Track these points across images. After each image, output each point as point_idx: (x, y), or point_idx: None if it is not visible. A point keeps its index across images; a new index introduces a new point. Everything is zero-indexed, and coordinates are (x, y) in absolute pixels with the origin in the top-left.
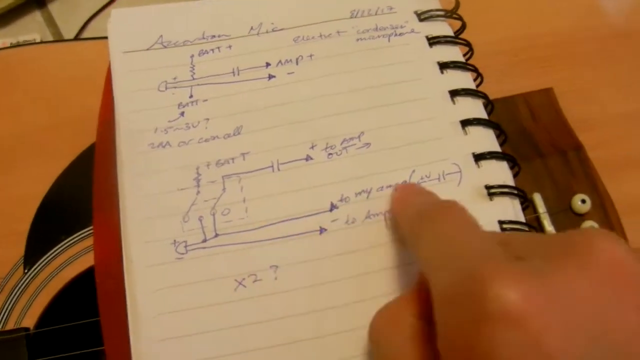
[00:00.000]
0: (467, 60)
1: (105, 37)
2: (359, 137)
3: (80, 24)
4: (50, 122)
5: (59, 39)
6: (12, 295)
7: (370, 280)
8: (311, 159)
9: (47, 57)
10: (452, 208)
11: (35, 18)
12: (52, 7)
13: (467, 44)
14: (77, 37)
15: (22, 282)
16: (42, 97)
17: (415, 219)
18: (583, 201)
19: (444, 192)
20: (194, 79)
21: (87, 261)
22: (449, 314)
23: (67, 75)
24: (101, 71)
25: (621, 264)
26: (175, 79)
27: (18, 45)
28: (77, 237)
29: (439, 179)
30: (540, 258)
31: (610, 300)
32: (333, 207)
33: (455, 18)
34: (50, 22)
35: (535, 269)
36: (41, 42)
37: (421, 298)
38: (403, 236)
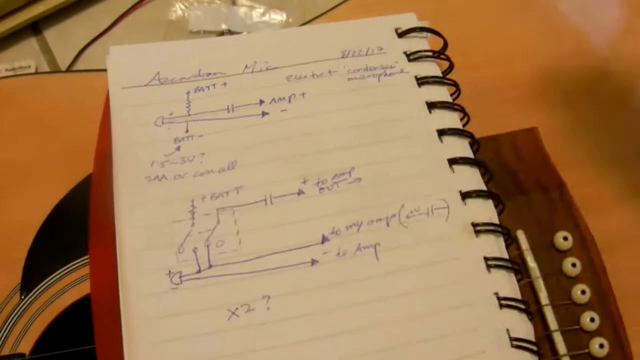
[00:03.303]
0: (454, 99)
1: (100, 70)
2: (349, 172)
3: (75, 51)
4: (46, 151)
5: (55, 70)
6: (9, 321)
7: (360, 312)
8: (303, 193)
9: (43, 87)
10: None
11: (30, 44)
12: (48, 34)
13: (455, 84)
14: (72, 65)
15: (18, 308)
16: (39, 127)
17: None
18: (565, 238)
19: (433, 226)
20: (189, 114)
21: (84, 289)
22: None
23: (63, 106)
24: (96, 103)
25: None
26: (171, 114)
27: (13, 69)
28: (73, 265)
29: (427, 213)
30: None
31: None
32: (324, 239)
33: (442, 58)
34: (46, 49)
35: None
36: (37, 73)
37: None
38: None
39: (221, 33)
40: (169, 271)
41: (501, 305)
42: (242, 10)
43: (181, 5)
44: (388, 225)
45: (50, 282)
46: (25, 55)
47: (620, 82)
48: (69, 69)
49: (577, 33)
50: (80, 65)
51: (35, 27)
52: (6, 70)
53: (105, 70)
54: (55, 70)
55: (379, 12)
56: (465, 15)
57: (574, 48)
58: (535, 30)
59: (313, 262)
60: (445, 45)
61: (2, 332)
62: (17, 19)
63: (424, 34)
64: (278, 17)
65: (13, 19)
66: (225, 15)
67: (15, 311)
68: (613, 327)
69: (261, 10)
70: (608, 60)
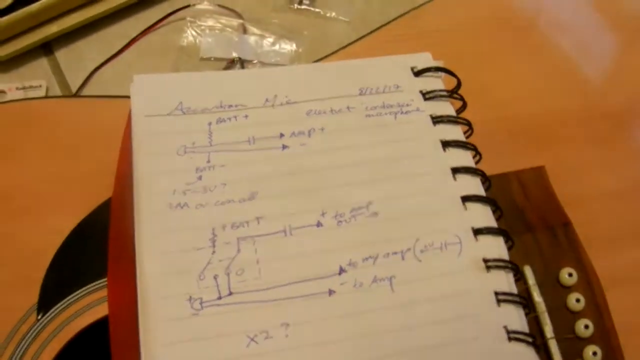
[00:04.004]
0: (467, 137)
1: (115, 96)
2: (367, 206)
3: (86, 73)
4: (64, 175)
5: (66, 90)
6: (24, 341)
7: (376, 341)
8: (321, 225)
9: (58, 111)
10: None
11: (42, 64)
12: (59, 55)
13: (468, 123)
14: (82, 86)
15: (34, 328)
16: (55, 151)
17: None
18: (570, 274)
19: (446, 261)
20: (211, 145)
21: (100, 311)
22: None
23: (78, 130)
24: (112, 128)
25: None
26: (193, 144)
27: (24, 89)
28: (90, 287)
29: (441, 248)
30: None
31: None
32: (342, 270)
33: (456, 98)
34: (57, 69)
35: None
36: (50, 97)
37: None
38: None
39: (232, 61)
40: (190, 297)
41: (510, 339)
42: (252, 38)
43: (192, 32)
44: (403, 258)
45: (66, 303)
46: (37, 74)
47: (624, 120)
48: (79, 90)
49: (582, 74)
50: (90, 86)
51: (47, 48)
52: (17, 89)
53: (118, 96)
54: (66, 90)
55: (393, 50)
56: (475, 57)
57: (579, 89)
58: (542, 72)
59: (330, 292)
60: (459, 85)
61: (17, 352)
62: (30, 39)
63: (439, 73)
64: (288, 47)
65: (25, 39)
66: (236, 43)
67: (31, 331)
68: None
69: (271, 40)
70: (611, 100)
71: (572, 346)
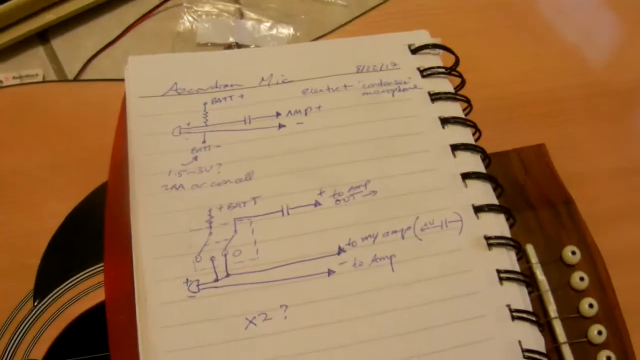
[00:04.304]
0: (466, 115)
1: (110, 80)
2: (365, 185)
3: (83, 61)
4: (59, 159)
5: (64, 79)
6: (21, 328)
7: (376, 322)
8: (319, 204)
9: (53, 96)
10: None
11: (37, 53)
12: (55, 43)
13: (467, 100)
14: (79, 74)
15: (31, 314)
16: (51, 136)
17: None
18: (573, 253)
19: (447, 239)
20: (207, 125)
21: (97, 296)
22: None
23: (74, 114)
24: (107, 112)
25: None
26: (189, 124)
27: (20, 77)
28: (87, 273)
29: (441, 226)
30: None
31: None
32: (341, 250)
33: (454, 75)
34: (53, 58)
35: None
36: (46, 82)
37: None
38: None
39: (229, 46)
40: (187, 279)
41: (513, 317)
42: (249, 23)
43: (189, 18)
44: (403, 237)
45: (63, 289)
46: (33, 63)
47: (627, 99)
48: (76, 78)
49: (581, 53)
50: (87, 74)
51: (43, 36)
52: (13, 77)
53: (114, 79)
54: (62, 79)
55: (389, 29)
56: (474, 35)
57: (580, 68)
58: (543, 51)
59: (330, 272)
60: (457, 62)
61: (14, 339)
62: (25, 28)
63: (437, 50)
64: (285, 31)
65: (21, 27)
66: (233, 28)
67: (28, 318)
68: (620, 339)
69: (269, 24)
70: (615, 79)
71: (577, 325)
